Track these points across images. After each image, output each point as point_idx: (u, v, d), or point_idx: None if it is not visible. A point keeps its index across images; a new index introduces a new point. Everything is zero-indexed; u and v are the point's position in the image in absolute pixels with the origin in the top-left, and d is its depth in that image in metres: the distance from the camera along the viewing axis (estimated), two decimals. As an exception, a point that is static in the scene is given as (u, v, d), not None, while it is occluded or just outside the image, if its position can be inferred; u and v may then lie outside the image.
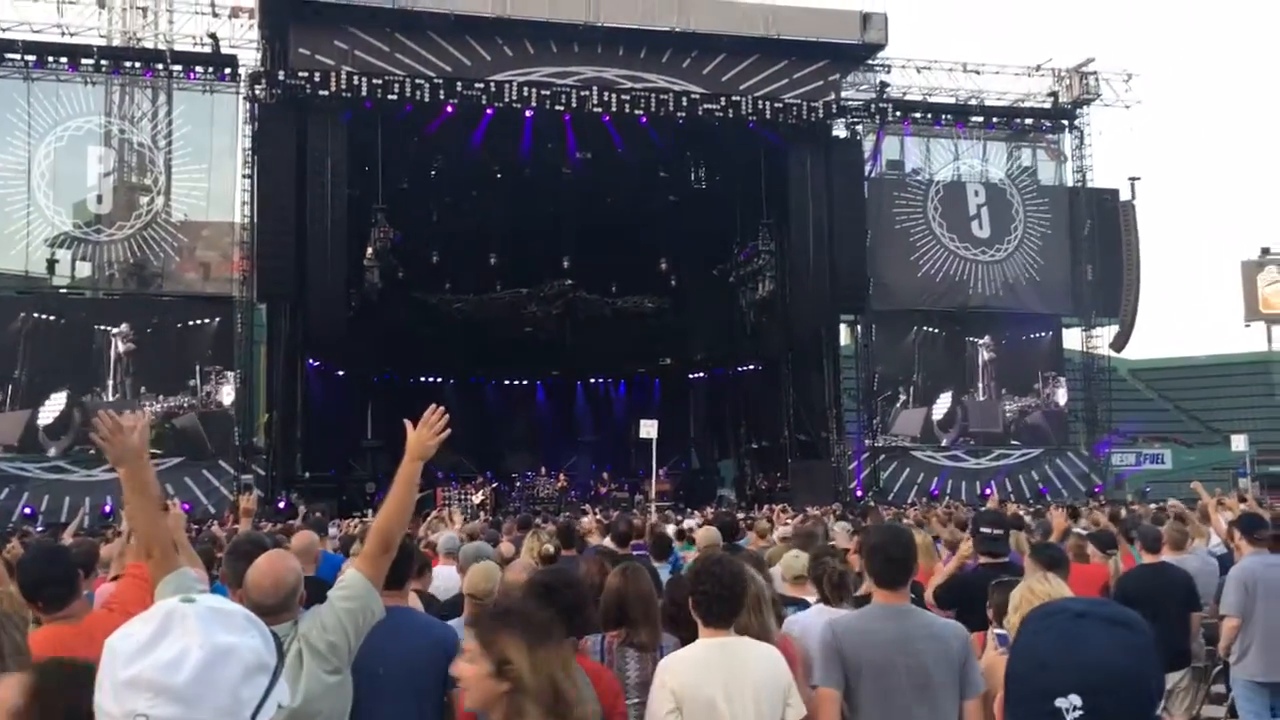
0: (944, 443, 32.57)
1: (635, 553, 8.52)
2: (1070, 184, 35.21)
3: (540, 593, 3.70)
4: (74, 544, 5.95)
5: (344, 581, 3.36)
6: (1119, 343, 36.54)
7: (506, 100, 28.15)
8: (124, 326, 27.49)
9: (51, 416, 26.61)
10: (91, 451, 25.76)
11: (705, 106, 29.13)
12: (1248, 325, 54.37)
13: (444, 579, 7.22)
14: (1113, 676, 1.49)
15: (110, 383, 27.13)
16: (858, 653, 3.79)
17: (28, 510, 24.89)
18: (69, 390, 26.68)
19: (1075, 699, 1.47)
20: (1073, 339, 36.27)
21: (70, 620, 3.64)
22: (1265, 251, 54.47)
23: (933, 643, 3.79)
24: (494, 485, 31.76)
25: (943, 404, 32.87)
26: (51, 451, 26.39)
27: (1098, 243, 34.92)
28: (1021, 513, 13.16)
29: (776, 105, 29.53)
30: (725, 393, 37.03)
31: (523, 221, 32.79)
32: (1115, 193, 36.27)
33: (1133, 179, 36.79)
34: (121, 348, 27.36)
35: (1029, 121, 35.13)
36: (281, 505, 25.85)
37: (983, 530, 6.28)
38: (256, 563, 3.35)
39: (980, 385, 33.34)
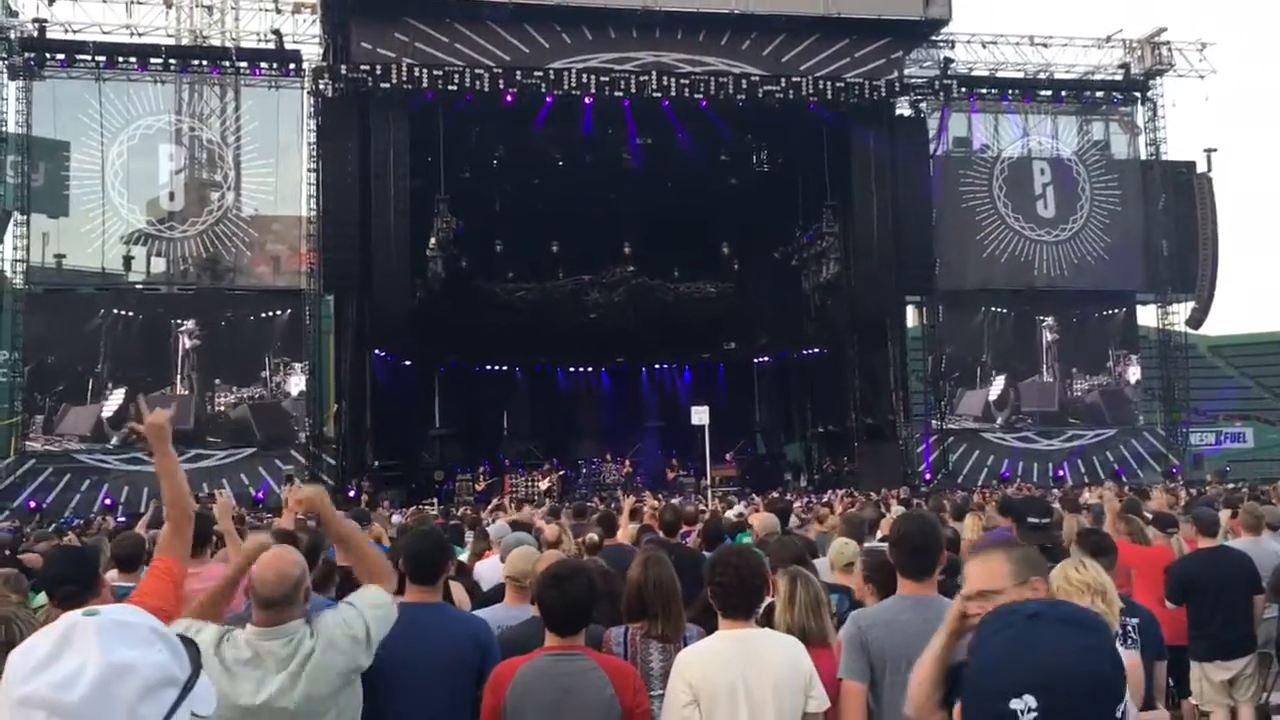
0: (998, 422, 32.07)
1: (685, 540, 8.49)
2: (1144, 157, 34.33)
3: (550, 584, 3.70)
4: (122, 537, 6.08)
5: (372, 599, 3.49)
6: (1196, 319, 35.57)
7: (566, 87, 28.20)
8: (190, 323, 28.12)
9: (113, 409, 27.34)
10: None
11: (765, 88, 28.88)
12: (1333, 299, 52.66)
13: (490, 569, 7.25)
14: (1066, 676, 1.46)
15: (178, 377, 27.80)
16: (882, 644, 3.71)
17: (108, 501, 25.58)
18: (129, 385, 27.38)
19: (1030, 699, 1.45)
20: (1149, 316, 35.44)
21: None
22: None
23: (958, 634, 3.69)
24: (560, 472, 31.93)
25: (999, 384, 32.37)
26: (113, 441, 27.09)
27: (1173, 217, 34.04)
28: (1088, 496, 12.84)
29: (838, 85, 29.19)
30: (790, 377, 36.79)
31: (584, 208, 32.82)
32: (1191, 165, 35.28)
33: (1209, 150, 35.80)
34: (188, 343, 28.00)
35: (1100, 94, 34.31)
36: (351, 494, 26.29)
37: (1030, 520, 6.13)
38: (262, 557, 3.42)
39: (1044, 365, 32.75)
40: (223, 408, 28.01)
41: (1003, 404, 32.28)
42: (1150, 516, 8.59)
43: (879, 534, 7.95)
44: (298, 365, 28.67)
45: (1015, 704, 1.46)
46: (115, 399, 27.36)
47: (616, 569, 5.04)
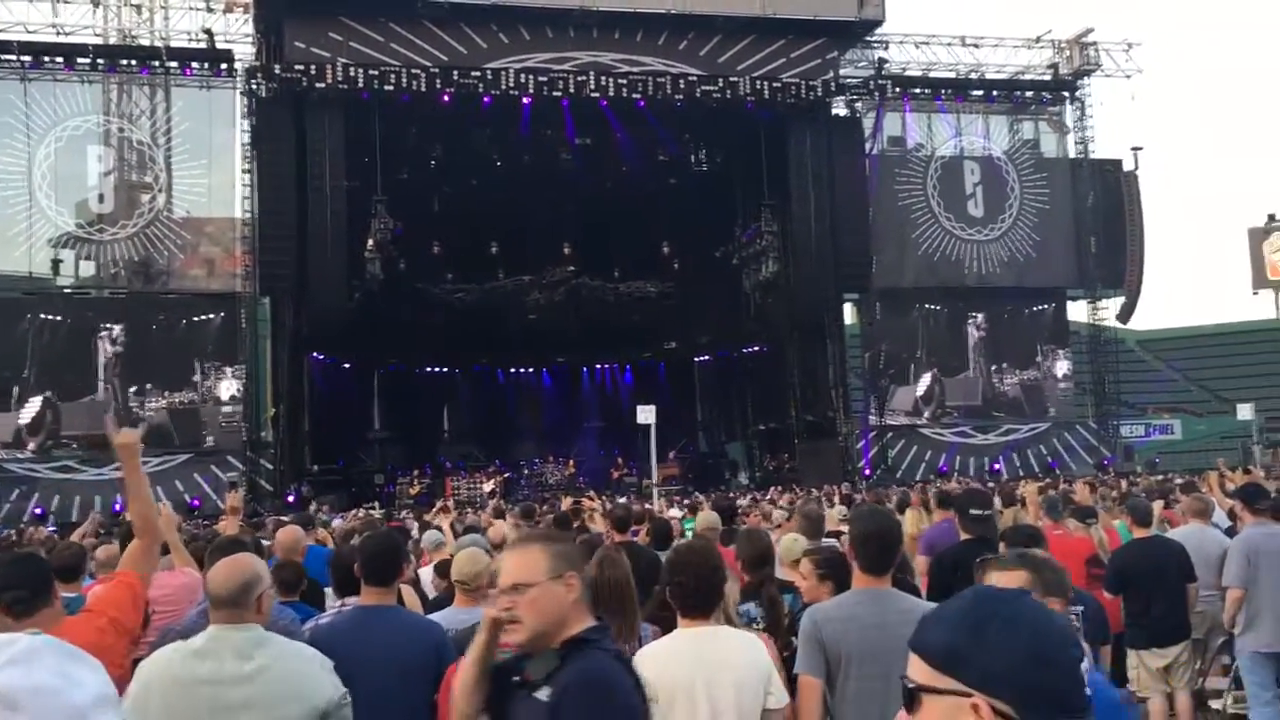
0: (925, 417, 32.51)
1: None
2: (1072, 155, 35.01)
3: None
4: (62, 546, 5.95)
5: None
6: (1125, 314, 36.42)
7: (504, 88, 28.10)
8: (115, 329, 27.50)
9: (30, 416, 26.70)
10: (74, 447, 25.94)
11: (703, 88, 29.05)
12: (1255, 293, 54.50)
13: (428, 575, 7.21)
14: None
15: (100, 383, 27.18)
16: (838, 639, 3.75)
17: (38, 510, 24.97)
18: (52, 390, 26.73)
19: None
20: (1079, 311, 36.15)
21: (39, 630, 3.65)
22: (1271, 219, 54.23)
23: (911, 626, 3.74)
24: (504, 474, 31.80)
25: (925, 380, 32.82)
26: (30, 447, 26.48)
27: (1101, 214, 34.77)
28: (1022, 490, 13.07)
29: (774, 85, 29.44)
30: (731, 375, 37.01)
31: (523, 209, 32.73)
32: (1118, 163, 36.09)
33: (1135, 149, 36.69)
34: (110, 349, 27.39)
35: (1030, 94, 34.92)
36: (291, 499, 25.94)
37: (972, 512, 6.21)
38: (217, 564, 3.37)
39: (971, 361, 33.24)
40: (151, 413, 27.38)
41: (929, 399, 32.74)
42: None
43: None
44: (229, 369, 28.15)
45: None
46: (33, 406, 26.74)
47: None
